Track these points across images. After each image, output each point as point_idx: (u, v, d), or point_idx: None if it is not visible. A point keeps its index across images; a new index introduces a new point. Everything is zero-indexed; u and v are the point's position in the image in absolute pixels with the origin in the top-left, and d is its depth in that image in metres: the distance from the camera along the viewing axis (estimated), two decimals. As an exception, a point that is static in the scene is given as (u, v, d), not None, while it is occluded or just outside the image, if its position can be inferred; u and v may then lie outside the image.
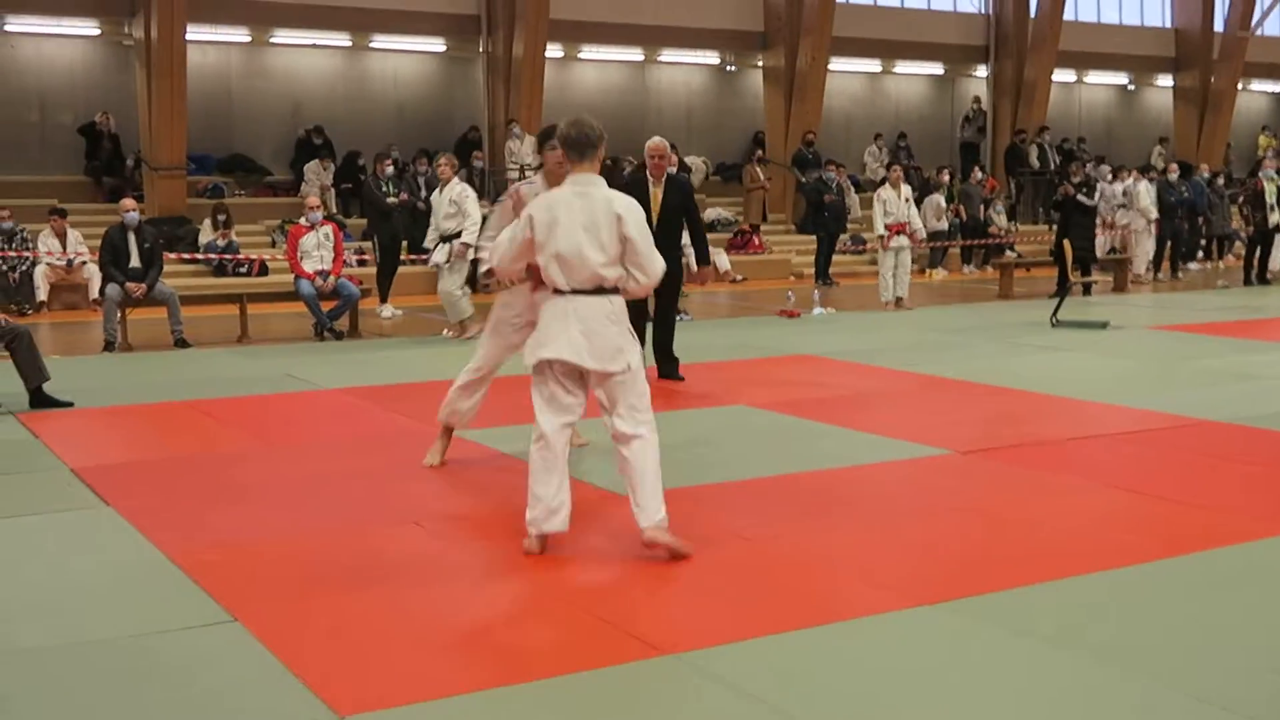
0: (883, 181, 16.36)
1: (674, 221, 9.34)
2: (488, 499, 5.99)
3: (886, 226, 14.95)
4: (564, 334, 4.96)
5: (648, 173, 9.36)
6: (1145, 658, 3.89)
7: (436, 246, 12.57)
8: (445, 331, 12.64)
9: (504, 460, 6.76)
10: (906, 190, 15.36)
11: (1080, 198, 16.20)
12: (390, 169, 15.21)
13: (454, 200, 12.40)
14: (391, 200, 14.64)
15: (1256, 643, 4.03)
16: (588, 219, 4.96)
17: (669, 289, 9.36)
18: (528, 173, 20.04)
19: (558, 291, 5.01)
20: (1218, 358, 10.43)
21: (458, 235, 12.29)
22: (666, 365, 9.56)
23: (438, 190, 12.80)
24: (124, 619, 4.36)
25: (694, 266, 9.85)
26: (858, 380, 9.55)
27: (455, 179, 12.59)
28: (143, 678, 3.86)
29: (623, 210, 4.97)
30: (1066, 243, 14.97)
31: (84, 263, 15.55)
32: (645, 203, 8.24)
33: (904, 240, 15.08)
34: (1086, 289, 16.12)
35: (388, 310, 14.27)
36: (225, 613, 4.36)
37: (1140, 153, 27.28)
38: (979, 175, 22.34)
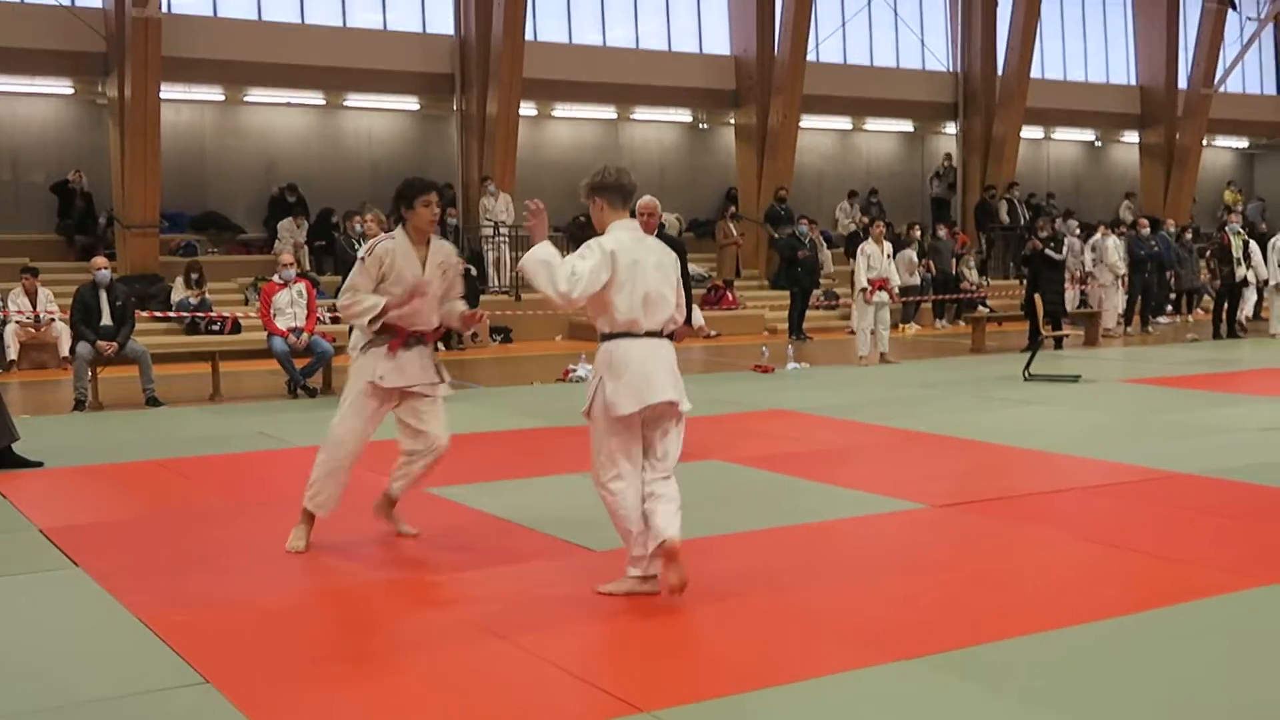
0: (864, 237, 16.48)
1: None
2: (464, 557, 5.95)
3: (869, 281, 15.03)
4: (661, 375, 5.03)
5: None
6: (1119, 713, 3.88)
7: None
8: None
9: (478, 517, 6.73)
10: (888, 246, 15.48)
11: (1048, 252, 16.35)
12: (359, 226, 15.24)
13: None
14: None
15: (1229, 696, 4.04)
16: (657, 261, 5.12)
17: None
18: (502, 229, 20.13)
19: (630, 335, 5.03)
20: (1189, 411, 10.50)
21: None
22: None
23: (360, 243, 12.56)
24: (97, 682, 4.31)
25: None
26: (833, 435, 9.56)
27: (381, 235, 12.33)
28: (112, 742, 3.80)
29: (674, 256, 5.25)
30: (1037, 297, 15.08)
31: (54, 320, 15.47)
32: None
33: (884, 296, 15.18)
34: (1058, 343, 16.24)
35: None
36: (197, 675, 4.31)
37: (1108, 208, 27.61)
38: (942, 231, 22.52)
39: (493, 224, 20.18)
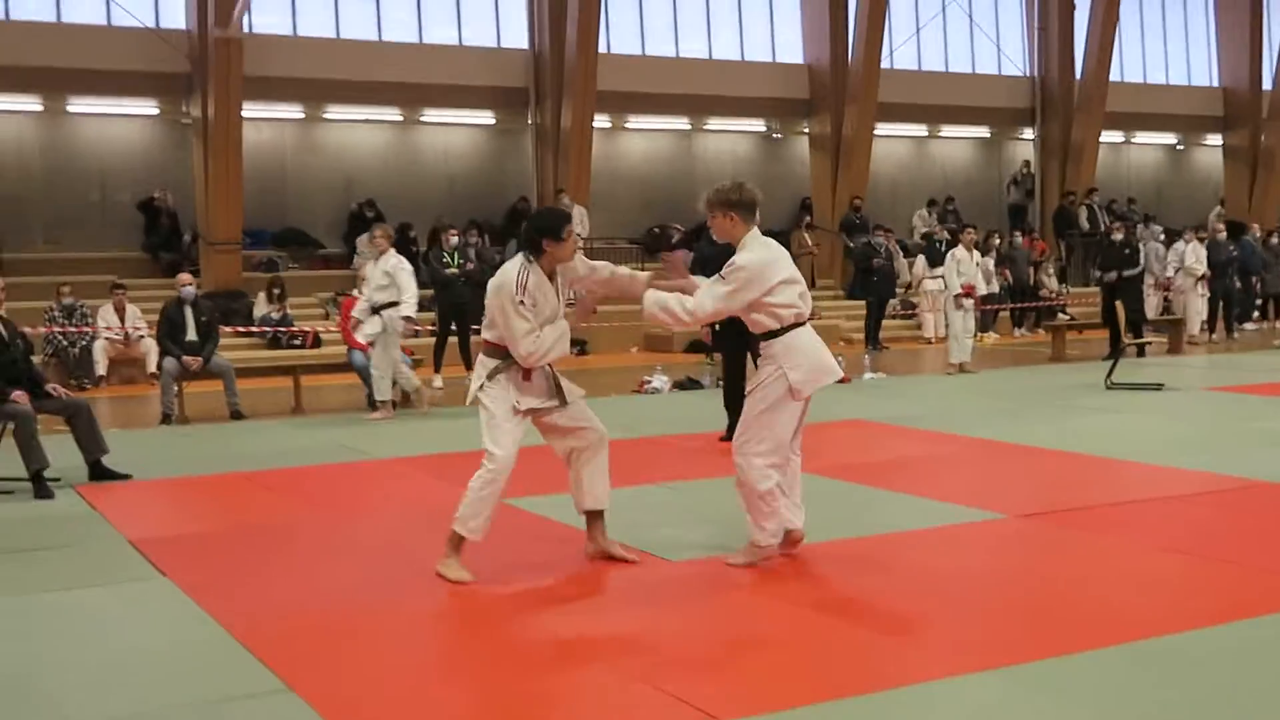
0: (954, 244, 16.40)
1: None
2: (540, 565, 5.98)
3: (962, 286, 14.91)
4: (829, 357, 5.80)
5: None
6: (1208, 725, 3.82)
7: (368, 319, 11.96)
8: (371, 414, 11.91)
9: (559, 529, 6.76)
10: (977, 254, 15.36)
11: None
12: (455, 239, 15.42)
13: (387, 272, 11.85)
14: (451, 271, 14.81)
15: (1323, 709, 3.96)
16: (790, 257, 5.83)
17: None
18: (578, 241, 20.22)
19: (796, 326, 5.68)
20: (1276, 419, 10.28)
21: (388, 306, 11.77)
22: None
23: (372, 261, 12.43)
24: (182, 689, 4.40)
25: None
26: (910, 445, 9.49)
27: (391, 250, 12.13)
28: (200, 748, 3.88)
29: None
30: (1119, 304, 14.87)
31: (142, 337, 15.80)
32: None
33: (970, 303, 15.06)
34: (1140, 350, 15.98)
35: (438, 380, 14.40)
36: (281, 683, 4.38)
37: (1191, 213, 27.09)
38: (1020, 238, 22.27)
39: (567, 236, 20.27)
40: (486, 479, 5.71)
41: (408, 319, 11.87)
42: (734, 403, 9.67)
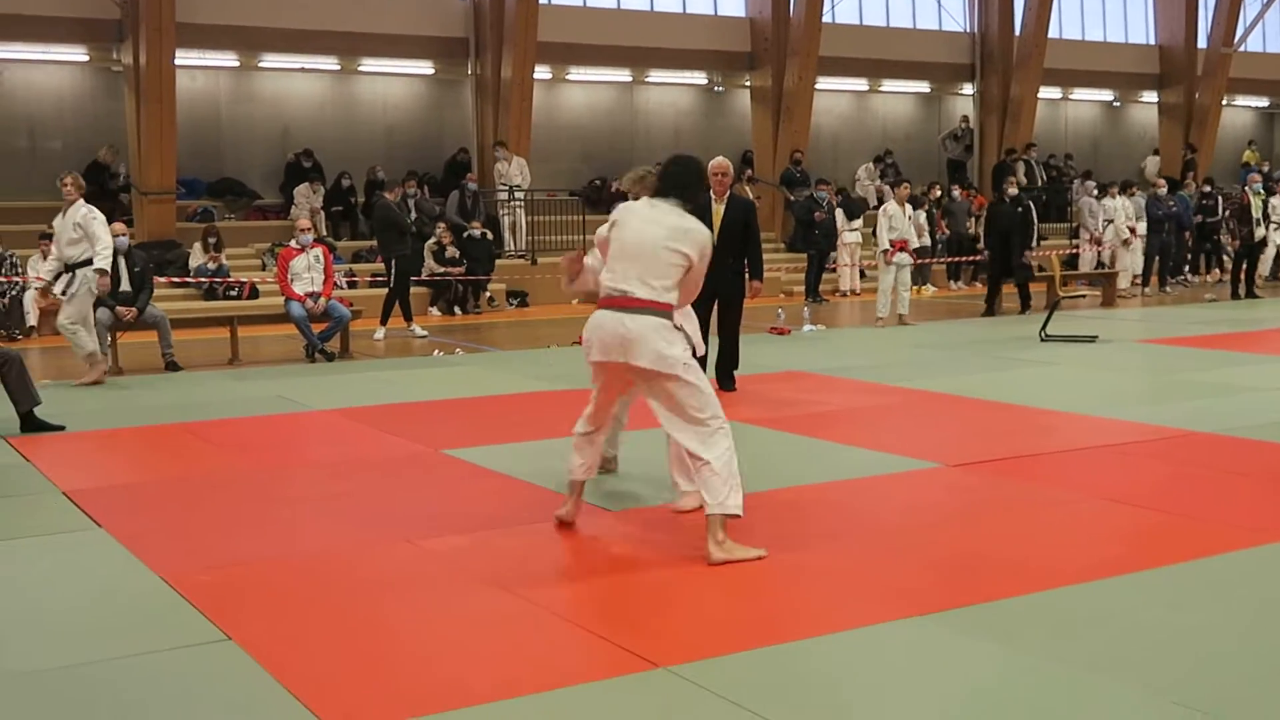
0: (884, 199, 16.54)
1: (734, 238, 9.54)
2: (481, 516, 5.99)
3: (891, 242, 15.02)
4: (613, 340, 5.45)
5: (711, 192, 9.49)
6: (1133, 667, 3.91)
7: (58, 276, 10.96)
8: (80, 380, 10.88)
9: (494, 478, 6.77)
10: (909, 208, 15.47)
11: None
12: (404, 192, 15.30)
13: (78, 224, 10.78)
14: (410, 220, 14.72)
15: (1242, 649, 4.06)
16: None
17: (733, 304, 9.78)
18: (517, 194, 20.13)
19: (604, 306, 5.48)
20: (1206, 370, 10.48)
21: (85, 264, 10.78)
22: (726, 380, 9.84)
23: (60, 214, 11.07)
24: (119, 640, 4.37)
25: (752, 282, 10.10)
26: (848, 396, 9.58)
27: (80, 200, 10.89)
28: (140, 698, 3.86)
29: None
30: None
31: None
32: (707, 220, 8.50)
33: (906, 257, 15.16)
34: (1024, 306, 16.47)
35: (381, 333, 14.34)
36: (220, 632, 4.37)
37: (1127, 169, 27.42)
38: (957, 192, 22.42)
39: (508, 188, 20.17)
40: (730, 444, 5.21)
41: (101, 272, 10.76)
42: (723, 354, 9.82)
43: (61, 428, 8.52)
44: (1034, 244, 17.27)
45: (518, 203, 20.24)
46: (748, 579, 4.92)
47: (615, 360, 5.25)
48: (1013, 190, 16.74)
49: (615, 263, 5.33)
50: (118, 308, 11.76)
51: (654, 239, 5.25)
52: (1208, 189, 21.67)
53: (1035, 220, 17.33)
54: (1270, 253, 19.19)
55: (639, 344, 5.14)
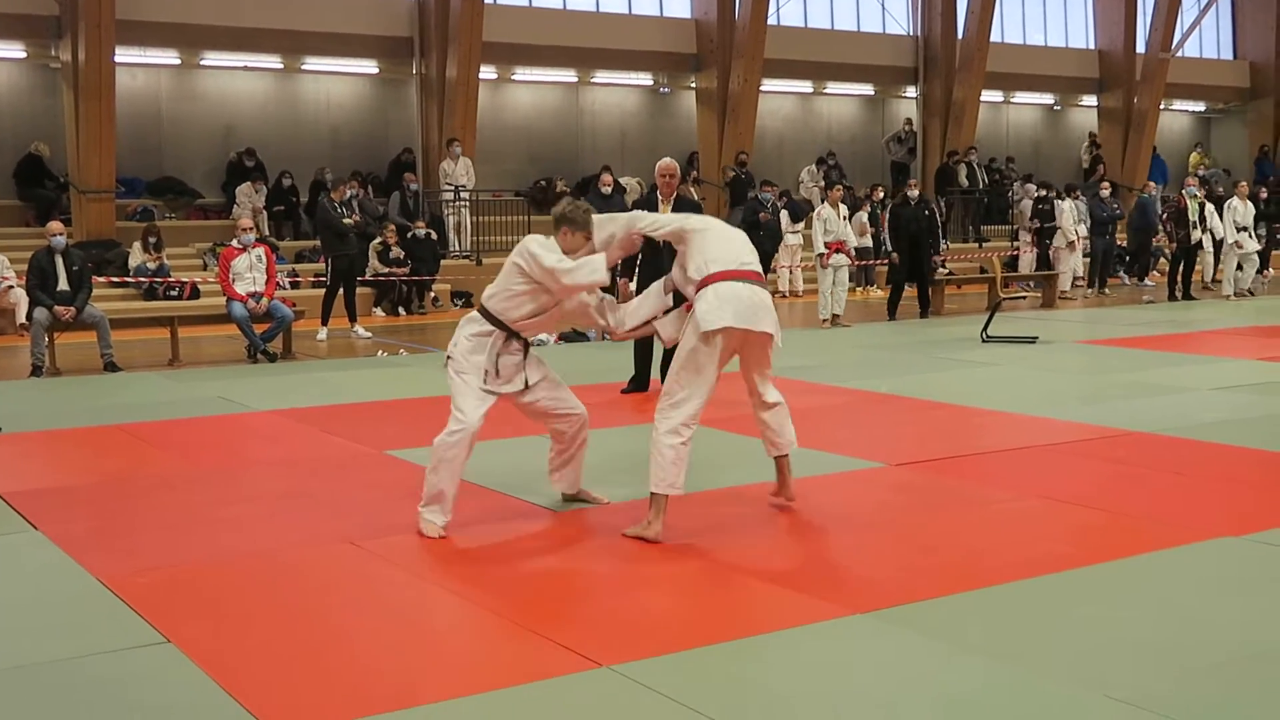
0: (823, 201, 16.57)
1: None
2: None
3: (826, 245, 15.13)
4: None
5: (658, 192, 9.49)
6: (1069, 662, 3.97)
7: None
8: None
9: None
10: (844, 209, 15.57)
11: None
12: (349, 193, 15.18)
13: None
14: (348, 222, 14.58)
15: (1176, 644, 4.13)
16: None
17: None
18: (463, 194, 20.04)
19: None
20: (1143, 370, 10.63)
21: None
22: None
23: None
24: (57, 642, 4.31)
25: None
26: (791, 396, 9.54)
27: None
28: (77, 700, 3.82)
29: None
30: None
31: (10, 287, 15.29)
32: None
33: (843, 259, 15.27)
34: (925, 311, 16.33)
35: (323, 334, 14.24)
36: (158, 634, 4.32)
37: (1066, 171, 27.76)
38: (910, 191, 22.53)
39: (453, 188, 20.09)
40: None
41: None
42: (643, 358, 9.81)
43: (-3, 429, 8.40)
44: (941, 247, 17.19)
45: (463, 203, 20.16)
46: (690, 578, 4.94)
47: (746, 327, 5.56)
48: (914, 192, 16.77)
49: (716, 245, 5.69)
50: (56, 307, 11.60)
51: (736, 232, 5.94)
52: (1107, 192, 21.51)
53: (939, 223, 17.29)
54: (1209, 259, 19.45)
55: (768, 312, 5.64)
